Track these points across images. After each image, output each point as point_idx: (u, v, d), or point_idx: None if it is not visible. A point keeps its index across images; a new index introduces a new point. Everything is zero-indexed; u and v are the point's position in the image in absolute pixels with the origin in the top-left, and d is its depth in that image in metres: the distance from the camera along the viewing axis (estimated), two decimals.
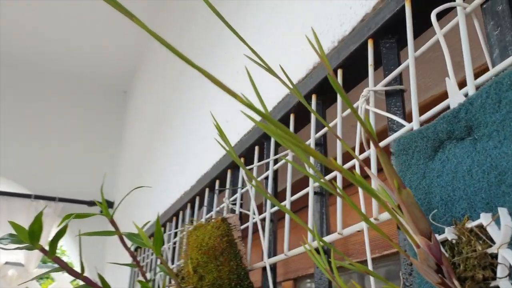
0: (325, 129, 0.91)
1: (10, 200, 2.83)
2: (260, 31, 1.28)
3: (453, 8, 0.64)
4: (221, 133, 0.56)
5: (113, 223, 1.02)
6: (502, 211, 0.45)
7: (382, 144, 0.73)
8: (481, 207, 0.48)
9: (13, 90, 3.08)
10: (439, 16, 0.67)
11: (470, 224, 0.49)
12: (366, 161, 0.75)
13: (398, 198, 0.47)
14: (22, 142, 3.00)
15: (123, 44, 2.91)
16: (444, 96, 0.91)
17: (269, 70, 0.57)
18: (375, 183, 0.56)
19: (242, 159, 1.25)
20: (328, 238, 0.83)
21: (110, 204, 3.03)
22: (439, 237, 0.52)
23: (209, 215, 1.36)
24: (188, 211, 1.59)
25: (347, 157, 0.81)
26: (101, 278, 0.96)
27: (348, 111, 0.80)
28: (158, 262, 1.62)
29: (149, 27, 0.26)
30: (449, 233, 0.52)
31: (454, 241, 0.51)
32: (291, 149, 0.47)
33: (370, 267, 0.68)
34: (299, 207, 1.34)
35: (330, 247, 0.51)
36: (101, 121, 3.27)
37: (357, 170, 0.75)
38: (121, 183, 2.98)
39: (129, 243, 1.01)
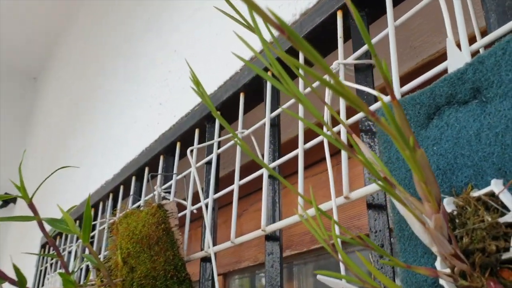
0: (279, 109, 0.85)
1: None
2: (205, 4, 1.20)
3: None
4: (196, 82, 0.48)
5: (32, 207, 0.88)
6: None
7: (351, 120, 0.68)
8: (491, 174, 0.44)
9: None
10: None
11: (477, 193, 0.45)
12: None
13: (411, 159, 0.41)
14: None
15: (32, 30, 2.68)
16: (416, 72, 0.89)
17: (248, 26, 0.50)
18: (365, 151, 0.51)
19: (178, 144, 1.15)
20: (279, 224, 0.77)
21: (13, 199, 2.76)
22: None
23: (136, 204, 1.25)
24: (109, 202, 1.46)
25: (309, 135, 0.76)
26: (16, 270, 0.82)
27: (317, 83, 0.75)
28: (87, 251, 1.47)
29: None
30: (449, 204, 0.48)
31: (455, 213, 0.47)
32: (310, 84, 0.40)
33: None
34: (246, 192, 1.27)
35: (329, 217, 0.44)
36: (8, 109, 2.98)
37: (343, 136, 0.69)
38: (30, 174, 2.73)
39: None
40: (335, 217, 0.66)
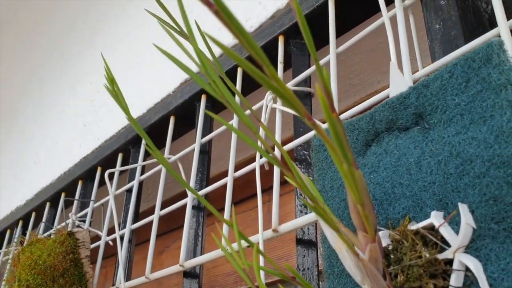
0: (212, 134, 0.80)
1: None
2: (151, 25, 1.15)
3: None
4: (111, 80, 0.42)
5: None
6: (463, 208, 0.38)
7: (287, 147, 0.64)
8: (431, 205, 0.41)
9: None
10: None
11: (415, 226, 0.41)
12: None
13: (349, 175, 0.37)
14: None
15: None
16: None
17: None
18: (301, 175, 0.46)
19: (99, 168, 1.07)
20: (199, 259, 0.70)
21: None
22: None
23: (47, 233, 1.14)
24: (18, 230, 1.33)
25: (240, 167, 0.70)
26: None
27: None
28: None
29: None
30: (384, 238, 0.43)
31: (390, 247, 0.42)
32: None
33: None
34: (170, 228, 1.19)
35: (252, 245, 0.38)
36: None
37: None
38: None
39: None
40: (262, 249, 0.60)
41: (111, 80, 0.42)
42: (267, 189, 1.02)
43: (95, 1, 1.30)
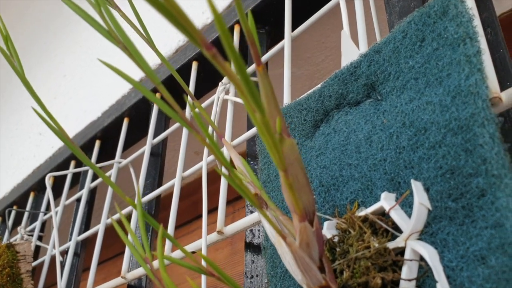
0: (165, 133, 0.73)
1: None
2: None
3: None
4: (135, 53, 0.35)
5: None
6: (416, 186, 0.31)
7: (235, 142, 0.58)
8: (381, 186, 0.34)
9: None
10: None
11: (363, 212, 0.35)
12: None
13: (277, 152, 0.31)
14: None
15: None
16: None
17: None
18: (238, 163, 0.40)
19: (51, 179, 0.99)
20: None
21: None
22: None
23: None
24: None
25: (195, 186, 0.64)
26: None
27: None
28: None
29: None
30: (330, 229, 0.36)
31: (336, 239, 0.36)
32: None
33: None
34: None
35: (175, 242, 0.32)
36: None
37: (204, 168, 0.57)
38: None
39: None
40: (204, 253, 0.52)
41: (5, 38, 0.35)
42: (231, 200, 0.95)
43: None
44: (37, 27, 1.35)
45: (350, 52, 0.41)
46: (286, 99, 0.51)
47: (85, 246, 0.85)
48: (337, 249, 0.35)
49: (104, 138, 0.88)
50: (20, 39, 1.38)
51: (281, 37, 0.66)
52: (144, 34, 0.40)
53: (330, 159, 0.39)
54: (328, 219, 0.37)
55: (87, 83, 1.00)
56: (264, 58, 0.60)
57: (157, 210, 0.71)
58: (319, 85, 0.42)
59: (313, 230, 0.30)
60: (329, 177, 0.38)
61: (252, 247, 0.54)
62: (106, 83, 0.93)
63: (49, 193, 0.75)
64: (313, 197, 0.31)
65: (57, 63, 1.16)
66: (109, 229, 0.71)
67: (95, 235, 0.75)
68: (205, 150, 0.59)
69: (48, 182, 0.78)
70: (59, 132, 0.33)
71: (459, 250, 0.28)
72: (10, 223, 1.06)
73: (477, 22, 0.32)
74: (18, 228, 0.97)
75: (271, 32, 0.66)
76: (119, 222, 0.74)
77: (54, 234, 0.73)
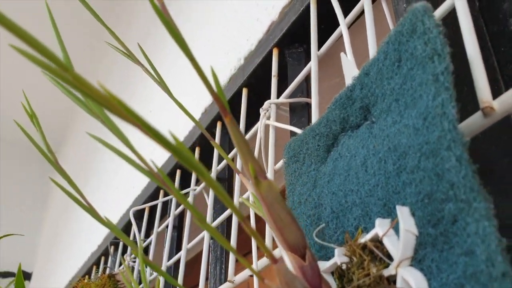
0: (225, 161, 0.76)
1: None
2: (166, 58, 1.17)
3: None
4: (31, 116, 0.41)
5: None
6: (402, 211, 0.31)
7: (278, 166, 0.59)
8: (377, 212, 0.34)
9: None
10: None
11: (363, 239, 0.34)
12: None
13: (257, 193, 0.32)
14: None
15: (52, 107, 2.70)
16: None
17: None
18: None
19: (146, 209, 1.07)
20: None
21: (27, 275, 2.71)
22: (330, 263, 0.37)
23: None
24: (92, 275, 1.38)
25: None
26: None
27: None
28: None
29: None
30: (339, 256, 0.37)
31: (344, 266, 0.36)
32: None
33: None
34: None
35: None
36: (24, 186, 2.99)
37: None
38: (40, 253, 2.69)
39: None
40: None
41: (32, 115, 0.41)
42: None
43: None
44: (126, 73, 1.48)
45: (352, 73, 0.41)
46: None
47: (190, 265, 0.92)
48: (346, 276, 0.36)
49: (183, 166, 0.94)
50: (116, 85, 1.51)
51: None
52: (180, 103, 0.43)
53: (337, 185, 0.39)
54: (338, 247, 0.37)
55: (168, 116, 1.07)
56: (302, 73, 0.61)
57: (228, 232, 0.75)
58: (325, 112, 0.42)
59: (305, 265, 0.32)
60: (338, 204, 0.39)
61: None
62: (182, 116, 0.99)
63: (133, 225, 0.82)
64: (301, 232, 0.32)
65: (144, 100, 1.26)
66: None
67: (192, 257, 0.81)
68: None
69: (132, 216, 0.85)
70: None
71: (442, 277, 0.28)
72: (117, 253, 1.17)
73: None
74: (124, 256, 1.07)
75: (308, 50, 0.66)
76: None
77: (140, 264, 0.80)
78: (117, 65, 1.76)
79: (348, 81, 0.42)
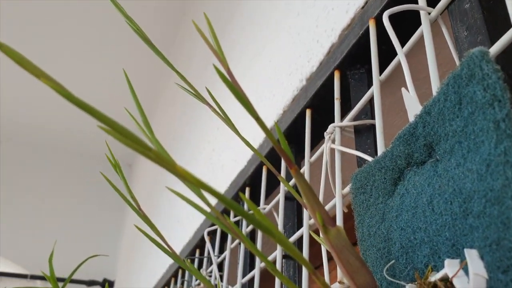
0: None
1: (5, 281, 2.68)
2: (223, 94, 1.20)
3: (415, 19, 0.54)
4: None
5: None
6: (470, 254, 0.31)
7: (345, 191, 0.60)
8: (446, 252, 0.35)
9: (12, 168, 3.02)
10: (406, 33, 0.56)
11: (433, 278, 0.35)
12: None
13: (326, 240, 0.34)
14: (20, 220, 2.89)
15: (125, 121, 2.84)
16: None
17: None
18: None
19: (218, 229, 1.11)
20: None
21: (110, 284, 2.85)
22: None
23: None
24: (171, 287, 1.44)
25: None
26: None
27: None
28: None
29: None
30: None
31: None
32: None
33: None
34: None
35: None
36: (103, 197, 3.15)
37: None
38: (122, 261, 2.83)
39: None
40: None
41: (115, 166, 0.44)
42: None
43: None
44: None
45: (414, 108, 0.41)
46: (380, 148, 0.52)
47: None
48: None
49: (252, 185, 0.96)
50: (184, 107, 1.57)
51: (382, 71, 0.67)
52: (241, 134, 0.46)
53: (405, 221, 0.40)
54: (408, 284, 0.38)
55: (234, 135, 1.11)
56: (365, 97, 0.61)
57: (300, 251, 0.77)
58: (390, 145, 0.43)
59: None
60: (406, 240, 0.39)
61: None
62: (248, 134, 1.02)
63: (207, 245, 0.85)
64: (370, 275, 0.33)
65: (212, 119, 1.30)
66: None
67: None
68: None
69: (207, 237, 0.89)
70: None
71: None
72: (196, 266, 1.21)
73: None
74: (201, 270, 1.11)
75: (370, 70, 0.67)
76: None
77: (218, 280, 0.83)
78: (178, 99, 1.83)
79: (411, 117, 0.42)
